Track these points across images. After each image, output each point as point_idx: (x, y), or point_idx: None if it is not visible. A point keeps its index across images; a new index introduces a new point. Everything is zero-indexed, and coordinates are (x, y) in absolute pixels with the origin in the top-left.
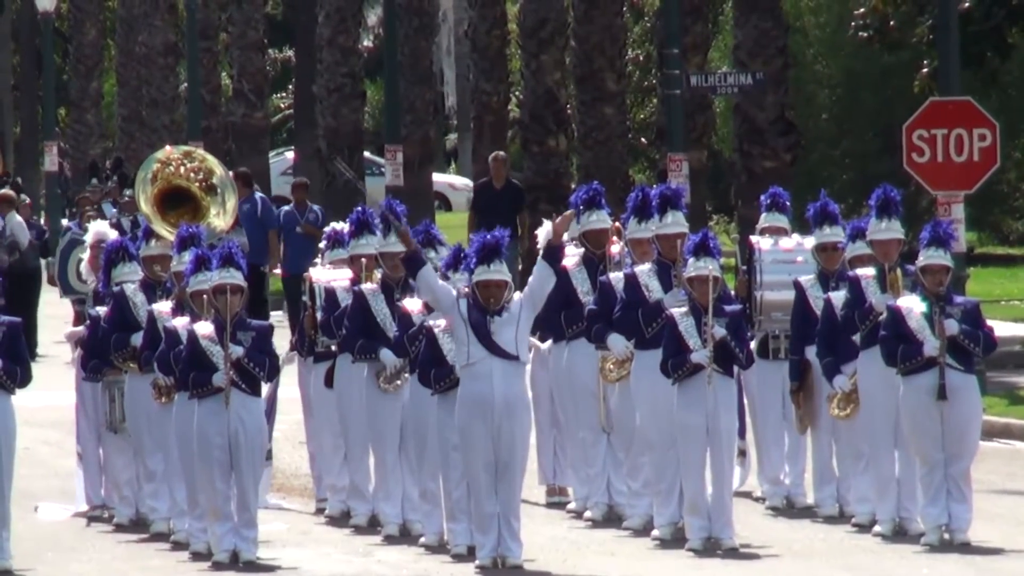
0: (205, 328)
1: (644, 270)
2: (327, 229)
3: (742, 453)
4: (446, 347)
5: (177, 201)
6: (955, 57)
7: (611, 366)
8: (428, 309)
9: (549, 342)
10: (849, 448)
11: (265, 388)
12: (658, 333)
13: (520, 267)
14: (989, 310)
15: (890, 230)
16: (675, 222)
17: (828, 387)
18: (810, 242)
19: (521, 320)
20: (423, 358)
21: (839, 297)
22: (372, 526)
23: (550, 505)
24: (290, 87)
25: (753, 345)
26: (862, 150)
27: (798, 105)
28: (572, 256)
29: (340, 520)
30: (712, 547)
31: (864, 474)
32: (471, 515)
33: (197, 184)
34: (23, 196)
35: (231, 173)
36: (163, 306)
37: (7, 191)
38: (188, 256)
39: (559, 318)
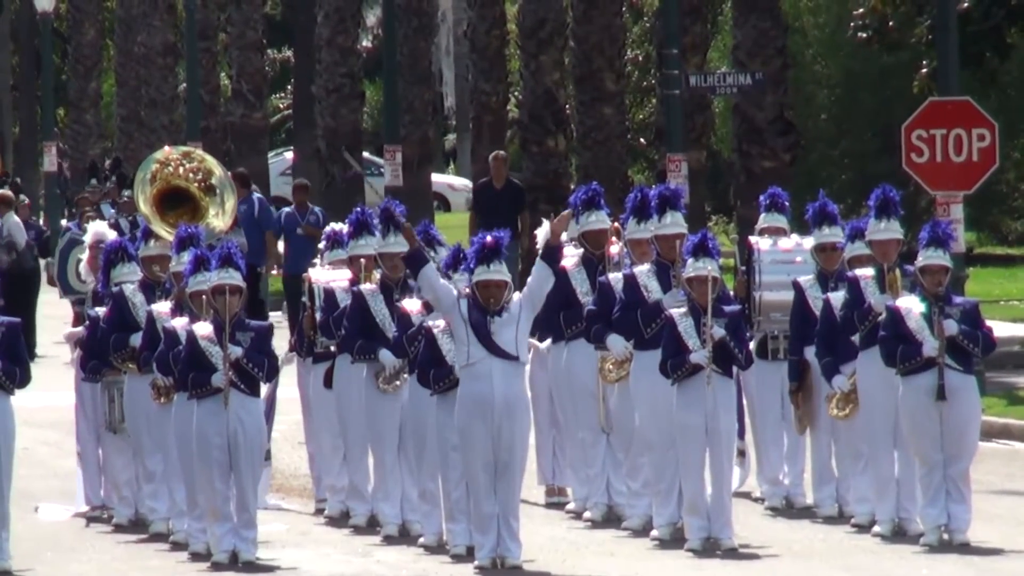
0: (204, 328)
1: (643, 270)
2: (326, 229)
3: (741, 453)
4: (445, 347)
5: (176, 201)
6: (954, 57)
7: (610, 366)
8: (427, 309)
9: (548, 342)
10: (848, 448)
11: (264, 388)
12: (657, 333)
13: (520, 267)
14: (988, 310)
15: (889, 230)
16: (674, 222)
17: (827, 387)
18: (809, 242)
19: (521, 320)
20: (422, 358)
21: (838, 297)
22: (371, 526)
23: (549, 505)
24: (289, 87)
25: (752, 345)
26: (861, 150)
27: (797, 105)
28: (571, 256)
29: (339, 520)
30: (711, 547)
31: (863, 474)
32: (470, 515)
33: (196, 184)
34: (22, 196)
35: (229, 174)
36: (162, 306)
37: (5, 192)
38: (187, 256)
39: (558, 318)
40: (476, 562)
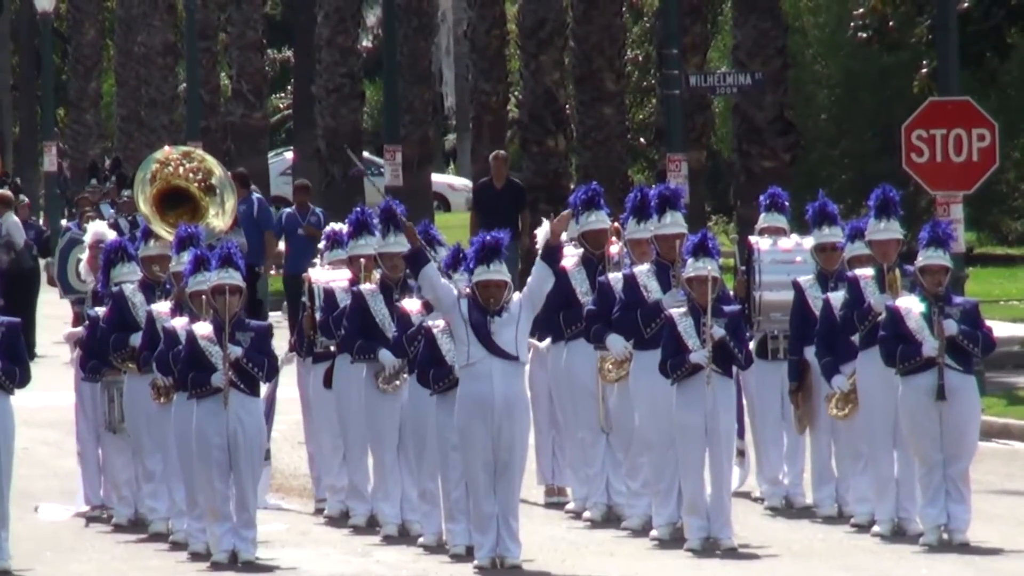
0: (204, 328)
1: (643, 270)
2: (326, 229)
3: (741, 453)
4: (445, 347)
5: (176, 201)
6: (954, 57)
7: (610, 366)
8: (427, 309)
9: (547, 341)
10: (848, 448)
11: (264, 388)
12: (657, 333)
13: (520, 267)
14: (988, 310)
15: (889, 230)
16: (674, 222)
17: (827, 387)
18: (809, 242)
19: (521, 320)
20: (422, 358)
21: (838, 297)
22: (371, 526)
23: (549, 505)
24: (289, 87)
25: (752, 345)
26: (861, 150)
27: (797, 105)
28: (571, 256)
29: (339, 520)
30: (711, 547)
31: (863, 474)
32: (470, 515)
33: (196, 184)
34: (22, 196)
35: (229, 173)
36: (162, 306)
37: (4, 192)
38: (187, 256)
39: (558, 318)
40: (476, 562)
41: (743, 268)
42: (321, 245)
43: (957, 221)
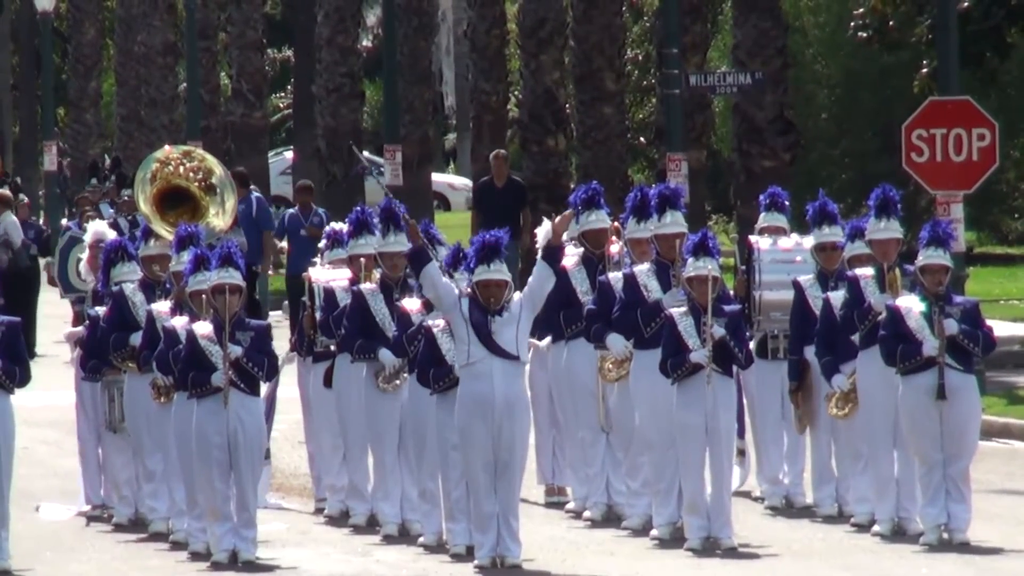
0: (204, 328)
1: (643, 270)
2: (326, 229)
3: (741, 453)
4: (445, 347)
5: (176, 201)
6: (954, 57)
7: (610, 366)
8: (427, 309)
9: (548, 340)
10: (848, 448)
11: (264, 388)
12: (657, 333)
13: (520, 266)
14: (988, 310)
15: (889, 230)
16: (674, 222)
17: (827, 387)
18: (809, 242)
19: (521, 320)
20: (422, 358)
21: (838, 297)
22: (371, 526)
23: (549, 505)
24: (289, 87)
25: (752, 345)
26: (861, 150)
27: (797, 105)
28: (571, 256)
29: (339, 520)
30: (711, 547)
31: (863, 474)
32: (470, 515)
33: (196, 184)
34: (22, 196)
35: (229, 173)
36: (162, 306)
37: (3, 191)
38: (187, 256)
39: (558, 318)
40: (476, 561)
41: (743, 268)
42: (321, 244)
43: (957, 220)
